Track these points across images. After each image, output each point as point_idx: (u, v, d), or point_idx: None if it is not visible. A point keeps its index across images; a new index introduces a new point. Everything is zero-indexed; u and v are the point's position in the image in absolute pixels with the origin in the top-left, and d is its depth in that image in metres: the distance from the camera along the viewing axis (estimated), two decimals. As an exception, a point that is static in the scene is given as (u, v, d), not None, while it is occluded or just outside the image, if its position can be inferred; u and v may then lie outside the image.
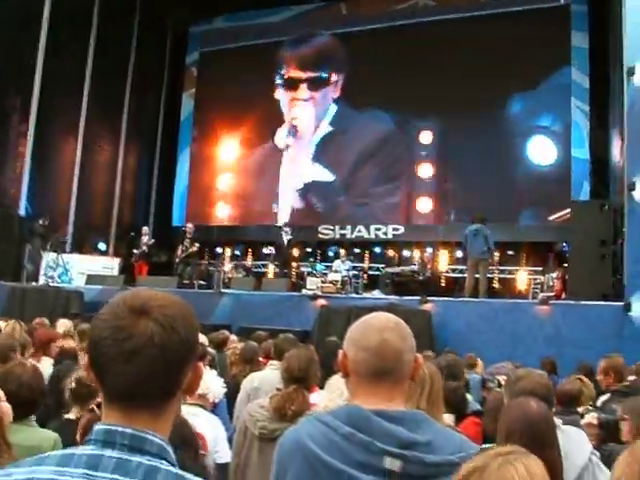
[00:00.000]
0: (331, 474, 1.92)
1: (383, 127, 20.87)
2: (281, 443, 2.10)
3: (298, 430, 2.08)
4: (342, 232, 21.00)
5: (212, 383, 4.66)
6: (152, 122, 23.49)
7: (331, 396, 3.42)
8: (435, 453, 1.94)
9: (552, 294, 14.42)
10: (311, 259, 20.05)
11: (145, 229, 18.76)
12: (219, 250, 22.22)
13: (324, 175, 21.50)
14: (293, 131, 22.04)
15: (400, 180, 20.59)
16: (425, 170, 20.47)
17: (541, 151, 19.20)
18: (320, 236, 21.13)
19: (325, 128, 21.73)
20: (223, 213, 23.09)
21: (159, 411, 1.38)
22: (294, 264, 19.60)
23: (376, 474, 1.90)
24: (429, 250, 19.17)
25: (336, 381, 3.69)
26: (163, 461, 1.32)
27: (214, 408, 4.70)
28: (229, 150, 23.15)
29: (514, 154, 19.41)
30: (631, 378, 6.13)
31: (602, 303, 12.45)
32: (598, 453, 3.39)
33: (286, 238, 17.19)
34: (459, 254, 18.41)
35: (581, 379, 5.54)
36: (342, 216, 21.10)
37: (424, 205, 20.43)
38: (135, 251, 18.24)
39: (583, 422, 4.33)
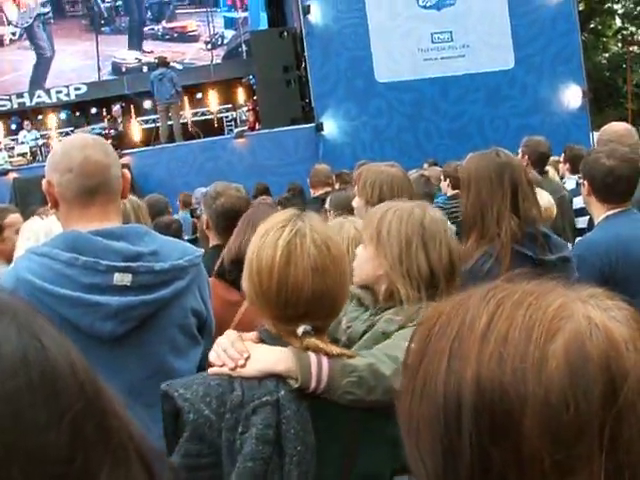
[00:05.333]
0: (60, 302, 1.83)
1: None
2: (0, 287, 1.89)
3: (15, 268, 1.95)
4: (20, 101, 19.12)
5: None
6: None
7: (27, 243, 2.92)
8: (162, 261, 1.96)
9: (246, 127, 14.59)
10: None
11: None
12: None
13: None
14: None
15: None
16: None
17: None
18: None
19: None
20: None
21: None
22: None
23: (108, 292, 1.86)
24: (117, 106, 18.13)
25: (28, 226, 3.21)
26: None
27: None
28: None
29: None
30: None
31: (294, 127, 12.82)
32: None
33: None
34: (147, 104, 17.69)
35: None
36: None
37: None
38: None
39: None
